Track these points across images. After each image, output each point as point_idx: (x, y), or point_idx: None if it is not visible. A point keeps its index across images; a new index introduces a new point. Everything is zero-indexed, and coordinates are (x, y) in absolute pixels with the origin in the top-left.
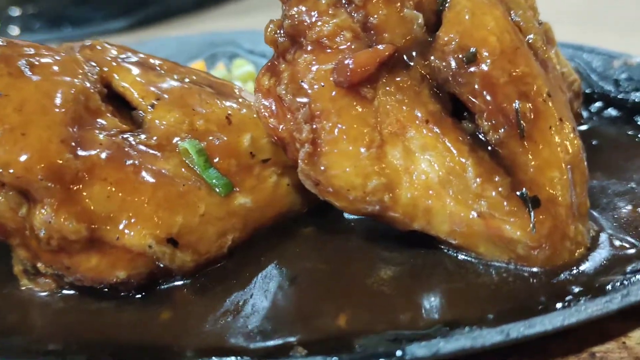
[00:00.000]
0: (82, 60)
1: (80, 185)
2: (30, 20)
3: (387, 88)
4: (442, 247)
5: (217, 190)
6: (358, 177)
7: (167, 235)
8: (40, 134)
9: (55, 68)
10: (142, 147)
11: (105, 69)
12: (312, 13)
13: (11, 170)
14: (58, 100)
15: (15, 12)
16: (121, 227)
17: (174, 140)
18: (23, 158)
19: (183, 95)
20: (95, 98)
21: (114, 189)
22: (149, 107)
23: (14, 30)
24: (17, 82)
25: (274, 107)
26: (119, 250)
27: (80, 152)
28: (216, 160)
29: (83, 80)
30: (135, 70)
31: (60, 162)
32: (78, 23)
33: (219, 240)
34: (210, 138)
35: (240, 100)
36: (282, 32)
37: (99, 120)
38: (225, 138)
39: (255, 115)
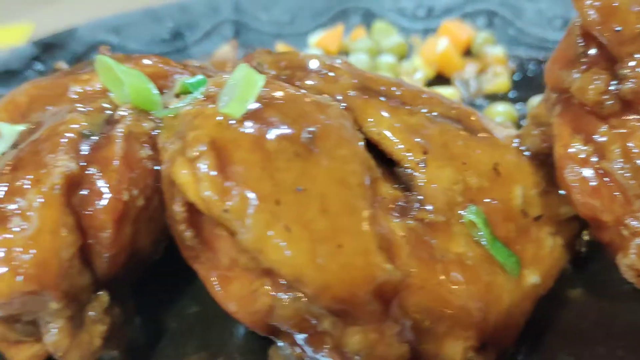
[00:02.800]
0: (346, 110)
1: (398, 299)
2: None
3: None
4: None
5: (507, 269)
6: None
7: (482, 342)
8: (356, 243)
9: (334, 132)
10: (433, 234)
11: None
12: None
13: (332, 295)
14: (355, 188)
15: None
16: (440, 341)
17: (457, 211)
18: (345, 279)
19: (446, 142)
20: (372, 164)
21: (428, 299)
22: (421, 164)
23: None
24: (309, 168)
25: (595, 182)
26: None
27: (393, 256)
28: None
29: (358, 141)
30: (385, 107)
31: (383, 276)
32: None
33: (517, 331)
34: (486, 199)
35: (493, 135)
36: (612, 90)
37: (379, 195)
38: (497, 195)
39: (520, 161)
